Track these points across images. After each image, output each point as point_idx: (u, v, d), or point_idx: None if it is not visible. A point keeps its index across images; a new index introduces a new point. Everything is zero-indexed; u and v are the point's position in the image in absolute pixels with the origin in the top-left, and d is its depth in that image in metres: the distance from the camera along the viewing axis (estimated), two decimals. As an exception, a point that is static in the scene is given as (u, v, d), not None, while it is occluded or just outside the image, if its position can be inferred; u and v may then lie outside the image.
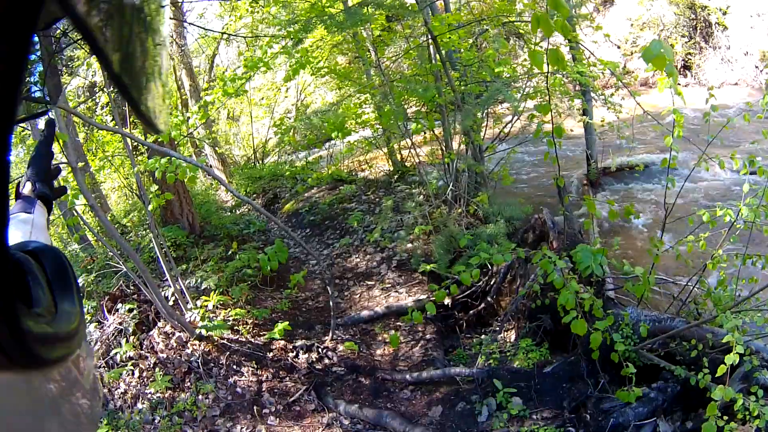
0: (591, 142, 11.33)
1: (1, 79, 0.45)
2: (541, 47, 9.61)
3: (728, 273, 5.95)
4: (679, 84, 5.09)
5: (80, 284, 8.00)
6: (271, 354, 7.16)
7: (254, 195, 15.00)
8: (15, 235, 1.41)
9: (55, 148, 10.18)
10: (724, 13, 19.52)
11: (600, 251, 4.85)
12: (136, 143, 8.45)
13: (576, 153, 12.84)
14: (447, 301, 7.67)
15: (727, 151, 6.22)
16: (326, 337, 7.58)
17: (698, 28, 20.14)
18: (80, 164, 6.98)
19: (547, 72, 4.06)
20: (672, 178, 5.87)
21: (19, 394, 0.78)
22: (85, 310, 7.69)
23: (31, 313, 0.74)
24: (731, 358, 4.28)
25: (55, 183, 1.82)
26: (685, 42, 20.11)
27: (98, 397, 1.07)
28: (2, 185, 0.50)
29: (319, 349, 7.31)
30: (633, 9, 20.99)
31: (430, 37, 8.61)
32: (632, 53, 20.88)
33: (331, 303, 7.52)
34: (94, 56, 0.59)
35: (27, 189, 1.68)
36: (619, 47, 20.63)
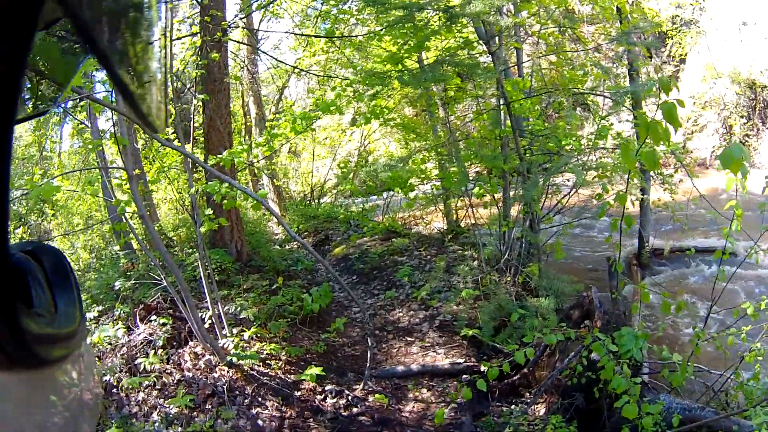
0: (645, 223, 11.19)
1: (1, 79, 0.46)
2: (608, 121, 9.67)
3: (765, 366, 5.85)
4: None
5: (117, 288, 8.08)
6: (299, 393, 7.10)
7: (306, 233, 15.02)
8: None
9: (114, 154, 10.36)
10: (783, 93, 19.26)
11: (643, 336, 4.81)
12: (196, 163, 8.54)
13: (627, 232, 12.73)
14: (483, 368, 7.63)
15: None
16: (357, 386, 7.49)
17: (757, 108, 20.00)
18: (136, 171, 7.08)
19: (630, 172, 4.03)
20: (723, 270, 5.80)
21: (19, 393, 0.78)
22: (117, 313, 7.78)
23: (31, 313, 0.74)
24: (755, 454, 4.24)
25: None
26: (744, 123, 19.91)
27: (98, 397, 1.06)
28: (3, 185, 0.51)
29: (349, 397, 7.23)
30: (696, 86, 20.85)
31: (502, 101, 8.64)
32: (692, 132, 20.72)
33: (368, 353, 7.50)
34: (95, 56, 0.59)
35: None
36: (681, 125, 20.46)
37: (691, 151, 19.61)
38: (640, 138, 3.37)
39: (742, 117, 20.00)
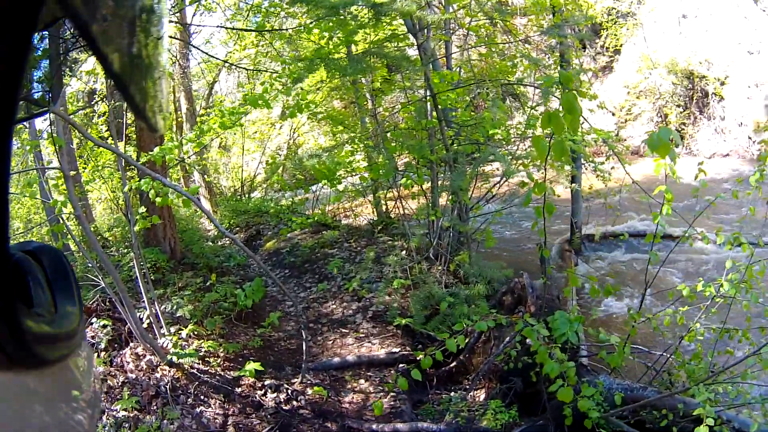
0: (577, 210, 11.37)
1: (1, 79, 0.46)
2: (537, 110, 9.79)
3: (705, 346, 5.98)
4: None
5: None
6: (240, 389, 7.06)
7: (237, 228, 15.00)
8: None
9: (50, 154, 10.20)
10: (722, 84, 19.80)
11: (577, 319, 4.87)
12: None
13: (561, 218, 12.89)
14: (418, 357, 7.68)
15: (713, 225, 6.27)
16: (296, 380, 7.48)
17: (694, 98, 20.48)
18: (72, 172, 6.97)
19: (548, 155, 4.07)
20: (655, 253, 5.88)
21: (20, 393, 0.77)
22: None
23: (31, 313, 0.74)
24: (702, 431, 4.32)
25: None
26: (680, 112, 20.35)
27: (98, 396, 1.06)
28: (2, 185, 0.52)
29: (288, 391, 7.21)
30: (631, 77, 21.28)
31: (429, 93, 8.69)
32: (626, 121, 21.11)
33: (304, 346, 7.49)
34: (94, 56, 0.59)
35: None
36: (614, 114, 20.88)
37: (625, 140, 19.95)
38: (542, 127, 3.41)
39: (678, 106, 20.44)
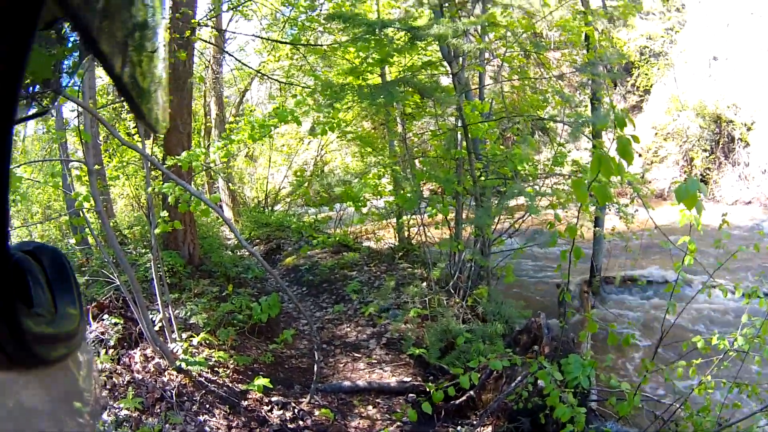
0: (597, 252, 11.30)
1: (1, 79, 0.46)
2: (566, 148, 9.76)
3: (714, 399, 5.94)
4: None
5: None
6: (246, 403, 7.02)
7: (258, 240, 15.00)
8: None
9: (76, 145, 10.24)
10: (749, 129, 19.64)
11: (590, 364, 4.86)
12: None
13: (581, 258, 12.82)
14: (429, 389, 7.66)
15: (733, 277, 6.23)
16: (303, 399, 7.43)
17: (720, 142, 20.32)
18: (96, 166, 6.98)
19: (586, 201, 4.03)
20: (673, 303, 5.86)
21: (22, 392, 0.78)
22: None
23: (31, 313, 0.74)
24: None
25: None
26: (706, 156, 20.24)
27: (98, 396, 1.05)
28: (3, 185, 0.51)
29: (295, 409, 7.16)
30: (659, 118, 21.18)
31: (461, 123, 8.69)
32: (652, 163, 21.01)
33: (315, 367, 7.46)
34: (95, 56, 0.58)
35: None
36: (640, 155, 20.74)
37: (650, 182, 19.86)
38: (591, 172, 3.38)
39: (704, 150, 20.31)
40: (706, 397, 5.76)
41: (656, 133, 21.22)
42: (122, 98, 0.74)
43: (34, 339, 0.66)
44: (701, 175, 19.97)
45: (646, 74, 22.00)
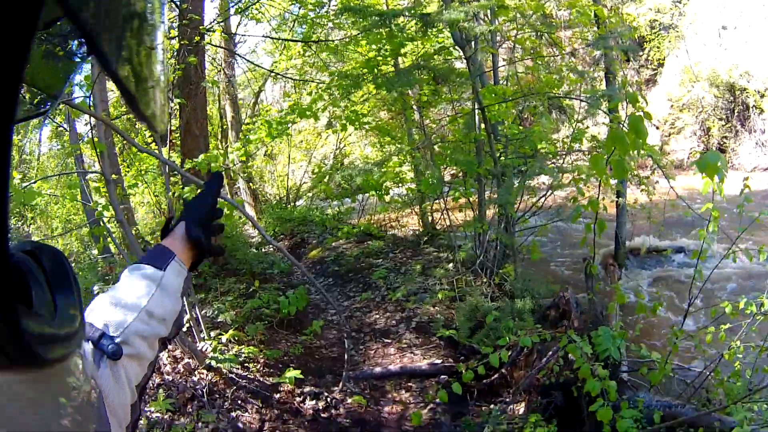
0: (621, 224, 11.24)
1: (1, 80, 0.46)
2: (583, 124, 9.74)
3: (744, 363, 5.91)
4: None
5: (95, 292, 7.98)
6: (278, 396, 7.09)
7: (282, 236, 15.02)
8: (136, 291, 1.39)
9: (92, 157, 10.30)
10: (762, 96, 19.54)
11: (621, 335, 4.86)
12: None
13: (605, 231, 12.76)
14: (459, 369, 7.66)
15: (758, 240, 6.19)
16: (336, 388, 7.48)
17: (735, 110, 20.21)
18: (114, 176, 7.01)
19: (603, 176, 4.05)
20: (700, 269, 5.84)
21: (24, 394, 0.77)
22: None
23: (31, 313, 0.75)
24: (737, 449, 4.29)
25: (213, 240, 1.64)
26: (722, 125, 20.11)
27: (95, 407, 1.06)
28: (2, 185, 0.51)
29: (327, 399, 7.21)
30: (674, 90, 21.03)
31: (478, 106, 8.69)
32: (669, 135, 20.87)
33: (346, 355, 7.50)
34: (95, 56, 0.60)
35: (180, 230, 1.58)
36: (658, 128, 20.61)
37: (669, 153, 19.76)
38: (606, 149, 3.41)
39: (720, 119, 20.16)
40: (735, 363, 5.76)
41: (672, 105, 21.04)
42: (123, 98, 0.75)
43: (34, 339, 0.65)
44: (719, 144, 19.88)
45: (657, 47, 21.82)
